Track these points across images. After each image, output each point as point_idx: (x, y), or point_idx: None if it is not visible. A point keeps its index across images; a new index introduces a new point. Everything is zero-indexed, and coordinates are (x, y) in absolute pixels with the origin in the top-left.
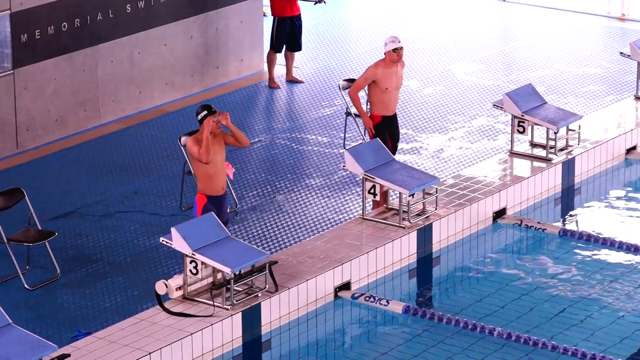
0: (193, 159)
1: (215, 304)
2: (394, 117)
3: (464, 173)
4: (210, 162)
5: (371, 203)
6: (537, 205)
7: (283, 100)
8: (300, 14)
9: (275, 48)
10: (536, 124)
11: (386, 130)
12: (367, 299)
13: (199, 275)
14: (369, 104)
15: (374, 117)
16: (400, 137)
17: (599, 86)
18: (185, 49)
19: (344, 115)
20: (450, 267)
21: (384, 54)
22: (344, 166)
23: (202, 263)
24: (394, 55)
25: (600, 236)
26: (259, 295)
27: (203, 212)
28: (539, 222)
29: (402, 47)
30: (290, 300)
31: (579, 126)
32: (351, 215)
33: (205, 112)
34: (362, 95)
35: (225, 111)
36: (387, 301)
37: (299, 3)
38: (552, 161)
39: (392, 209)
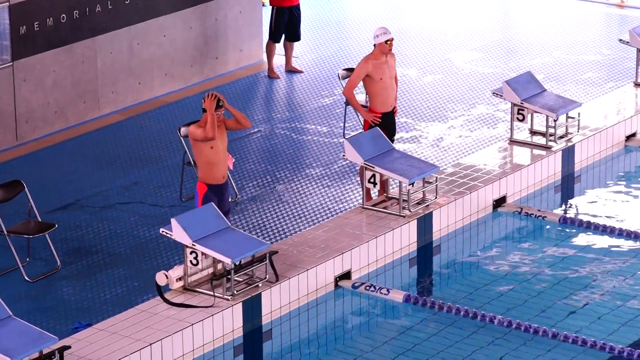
0: (196, 145)
1: (215, 294)
2: (392, 113)
3: (464, 161)
4: (215, 137)
5: (377, 193)
6: (537, 193)
7: (282, 90)
8: (299, 4)
9: (274, 38)
10: (536, 112)
11: (383, 126)
12: (367, 288)
13: (199, 266)
14: (367, 97)
15: (372, 112)
16: (400, 126)
17: (598, 73)
18: (184, 40)
19: (344, 105)
20: (451, 256)
21: (374, 45)
22: (343, 155)
23: (203, 254)
24: (385, 47)
25: (600, 223)
26: (260, 285)
27: (204, 201)
28: (539, 210)
29: (392, 38)
30: (290, 290)
31: (579, 113)
32: (351, 205)
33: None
34: (357, 92)
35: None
36: (388, 290)
37: None
38: (552, 149)
39: (392, 197)
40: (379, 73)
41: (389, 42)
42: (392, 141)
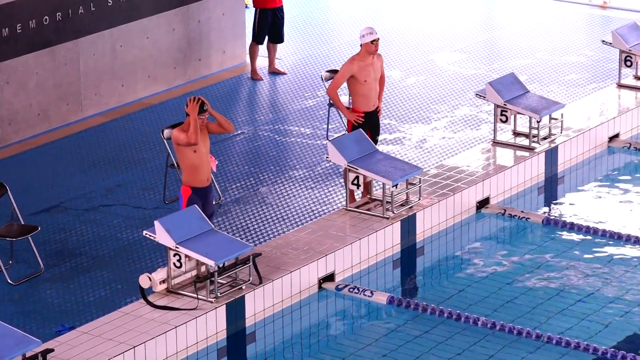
0: (179, 149)
1: (199, 296)
2: (375, 112)
3: (447, 163)
4: (198, 142)
5: (360, 194)
6: (520, 194)
7: (265, 92)
8: (282, 6)
9: (257, 40)
10: (519, 113)
11: (366, 126)
12: (351, 290)
13: (183, 268)
14: (350, 98)
15: (355, 112)
16: (383, 127)
17: (581, 74)
18: (167, 42)
19: (327, 107)
20: (434, 258)
21: (360, 45)
22: (327, 157)
23: (186, 256)
24: (372, 47)
25: (584, 224)
26: (243, 287)
27: (188, 204)
28: (522, 211)
29: (378, 39)
30: (274, 292)
31: (562, 115)
32: (335, 207)
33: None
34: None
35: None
36: (372, 292)
37: None
38: (535, 150)
39: (375, 199)
40: (364, 75)
41: (374, 42)
42: (376, 141)
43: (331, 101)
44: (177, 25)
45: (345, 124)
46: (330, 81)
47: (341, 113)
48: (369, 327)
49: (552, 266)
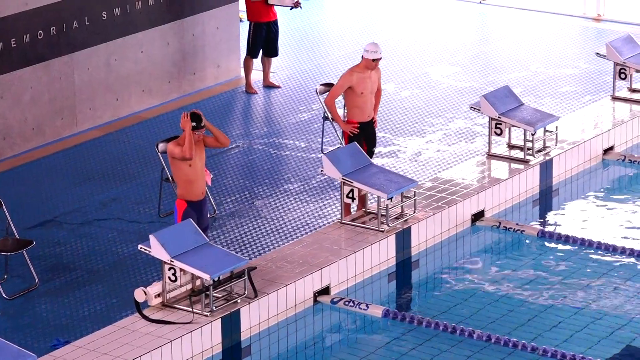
0: (174, 163)
1: (194, 310)
2: (370, 122)
3: (442, 176)
4: (192, 157)
5: (355, 208)
6: (515, 207)
7: (260, 105)
8: (276, 19)
9: (251, 53)
10: (513, 126)
11: (362, 136)
12: (346, 303)
13: (178, 282)
14: (345, 109)
15: (350, 123)
16: (378, 140)
17: (575, 87)
18: (162, 56)
19: (322, 120)
20: (429, 270)
21: (362, 57)
22: (321, 171)
23: (181, 270)
24: (371, 64)
25: (579, 237)
26: (238, 301)
27: (183, 217)
28: (517, 224)
29: (380, 58)
30: (269, 306)
31: (556, 127)
32: (329, 220)
33: (194, 124)
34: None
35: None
36: (367, 305)
37: (276, 8)
38: (530, 162)
39: (370, 212)
40: (361, 87)
41: (375, 61)
42: (373, 152)
43: (326, 114)
44: (172, 39)
45: (341, 137)
46: (325, 95)
47: (337, 124)
48: (365, 341)
49: (547, 279)
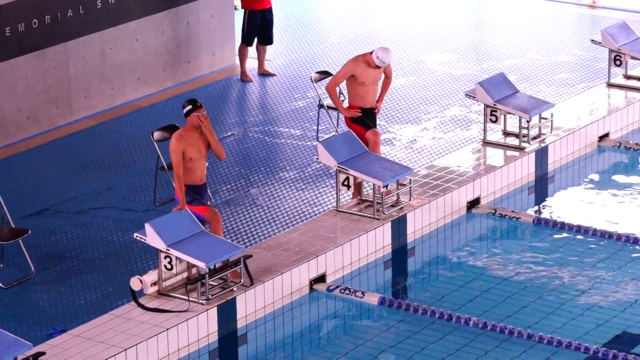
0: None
1: (190, 299)
2: (371, 109)
3: (438, 163)
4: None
5: (350, 195)
6: (511, 194)
7: (255, 93)
8: (271, 7)
9: (246, 41)
10: (509, 113)
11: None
12: (342, 291)
13: (174, 271)
14: (344, 96)
15: (353, 108)
16: None
17: (570, 74)
18: (156, 44)
19: (317, 108)
20: (425, 258)
21: (371, 53)
22: (317, 158)
23: (177, 258)
24: (374, 63)
25: (574, 224)
26: (234, 289)
27: (186, 197)
28: (513, 211)
29: (387, 65)
30: (265, 294)
31: (552, 114)
32: (325, 208)
33: (190, 107)
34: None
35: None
36: (363, 293)
37: None
38: (525, 150)
39: (366, 200)
40: (363, 77)
41: (379, 67)
42: None
43: (321, 101)
44: (166, 27)
45: (336, 125)
46: (319, 82)
47: (331, 114)
48: (361, 328)
49: (542, 266)
